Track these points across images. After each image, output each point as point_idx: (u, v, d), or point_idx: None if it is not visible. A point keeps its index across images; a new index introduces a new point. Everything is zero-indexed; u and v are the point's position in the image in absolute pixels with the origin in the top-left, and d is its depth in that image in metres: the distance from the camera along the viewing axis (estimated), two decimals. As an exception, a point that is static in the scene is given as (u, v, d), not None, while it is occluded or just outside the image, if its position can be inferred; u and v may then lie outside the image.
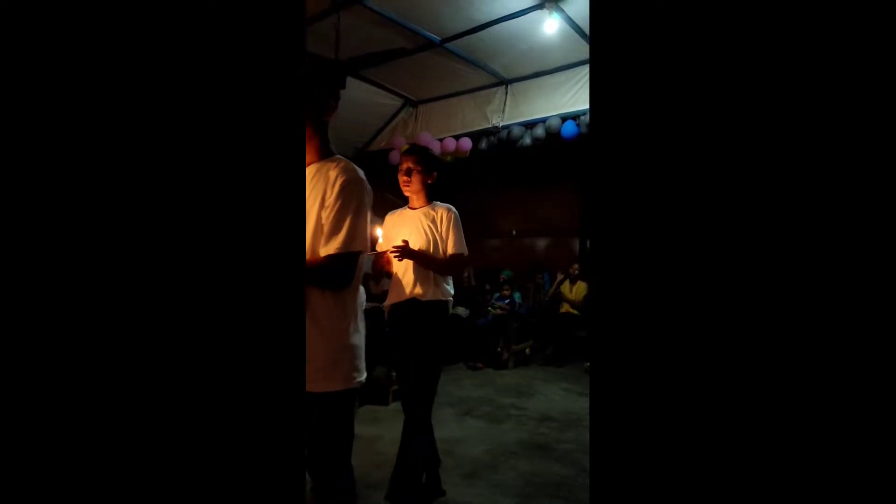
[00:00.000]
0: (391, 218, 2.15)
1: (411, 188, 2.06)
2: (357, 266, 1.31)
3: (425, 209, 2.07)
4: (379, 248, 2.04)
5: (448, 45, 3.72)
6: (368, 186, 1.35)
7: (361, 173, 1.34)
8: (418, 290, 1.97)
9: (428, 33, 3.59)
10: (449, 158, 4.72)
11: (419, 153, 2.09)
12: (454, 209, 2.07)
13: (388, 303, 2.06)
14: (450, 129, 4.68)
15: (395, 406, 3.54)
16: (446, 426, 3.08)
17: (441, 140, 4.63)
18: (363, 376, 1.36)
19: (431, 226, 2.04)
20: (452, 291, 2.06)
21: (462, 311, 5.15)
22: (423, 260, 1.98)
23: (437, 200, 2.12)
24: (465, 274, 5.53)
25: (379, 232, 2.01)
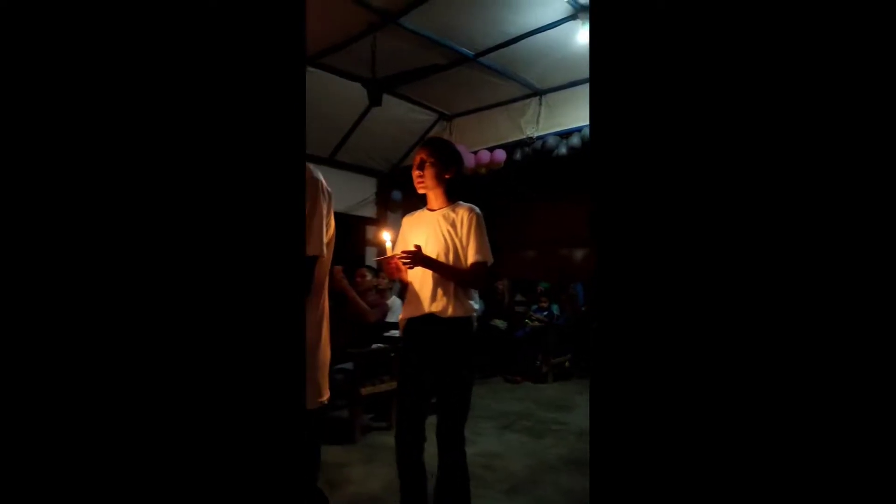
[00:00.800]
0: (408, 220, 1.88)
1: (425, 184, 1.77)
2: (313, 272, 1.24)
3: (445, 210, 1.78)
4: (389, 254, 1.77)
5: (481, 58, 3.76)
6: (325, 186, 1.29)
7: (317, 173, 1.28)
8: (437, 304, 1.70)
9: (462, 48, 3.64)
10: (483, 171, 4.74)
11: (433, 144, 1.80)
12: (478, 210, 1.77)
13: (402, 316, 1.81)
14: (484, 141, 4.71)
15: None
16: (486, 440, 3.05)
17: (475, 152, 4.66)
18: (326, 396, 1.28)
19: (451, 230, 1.74)
20: (477, 306, 1.79)
21: (500, 323, 5.12)
22: (438, 269, 1.71)
23: (460, 201, 1.82)
24: (500, 287, 5.43)
25: (385, 236, 1.76)
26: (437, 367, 1.69)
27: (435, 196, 1.80)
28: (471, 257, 1.72)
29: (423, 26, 3.34)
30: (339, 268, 1.73)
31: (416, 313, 1.74)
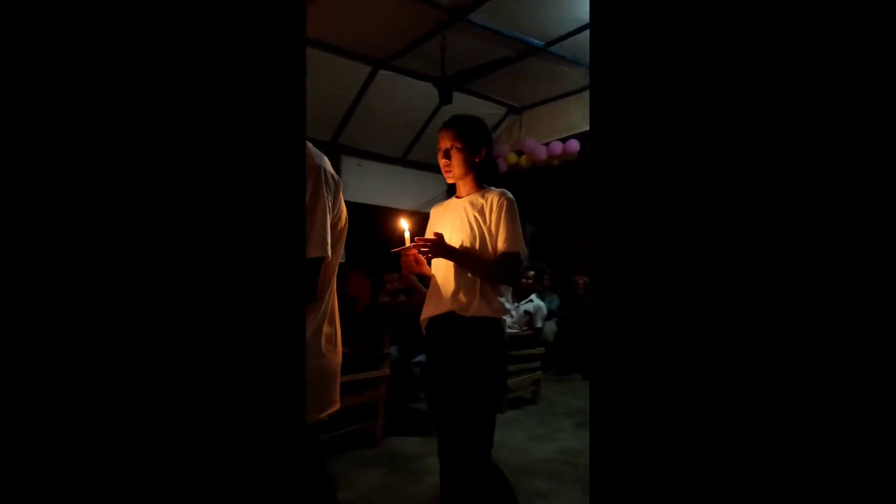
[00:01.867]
0: (435, 211, 1.68)
1: (454, 173, 1.55)
2: (316, 278, 1.08)
3: (472, 196, 1.55)
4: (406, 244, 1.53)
5: (551, 48, 3.68)
6: (330, 173, 1.08)
7: (319, 159, 1.08)
8: (458, 301, 1.46)
9: (531, 39, 3.58)
10: (556, 162, 4.64)
11: (458, 125, 1.55)
12: (509, 195, 1.53)
13: (423, 315, 1.57)
14: (556, 132, 4.61)
15: (511, 414, 3.53)
16: (564, 437, 3.01)
17: (547, 144, 4.57)
18: (333, 408, 1.12)
19: (478, 217, 1.51)
20: (508, 305, 1.52)
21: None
22: (462, 260, 1.48)
23: (491, 186, 1.58)
24: (580, 282, 5.21)
25: (403, 224, 1.55)
26: (459, 371, 1.45)
27: (463, 183, 1.58)
28: (500, 246, 1.48)
29: (491, 20, 3.33)
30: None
31: (436, 311, 1.51)
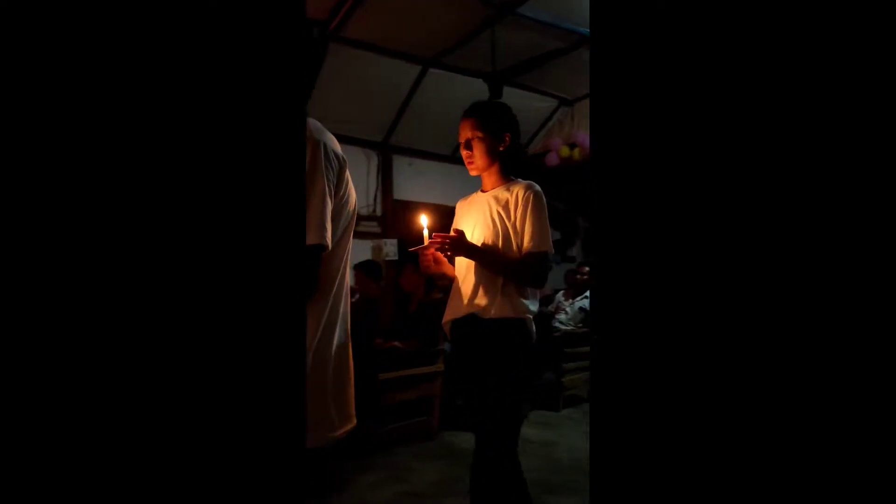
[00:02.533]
0: (460, 207, 1.57)
1: (476, 164, 1.44)
2: (315, 268, 0.92)
3: (497, 190, 1.44)
4: (425, 243, 1.41)
5: (605, 37, 3.57)
6: (334, 150, 0.89)
7: (321, 134, 0.91)
8: (479, 302, 1.37)
9: (583, 29, 3.49)
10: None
11: (478, 112, 1.44)
12: (536, 188, 1.41)
13: (445, 318, 1.49)
14: (610, 123, 4.46)
15: (567, 412, 3.48)
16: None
17: (601, 136, 4.44)
18: (341, 429, 0.90)
19: (502, 213, 1.40)
20: (534, 308, 1.40)
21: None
22: (484, 259, 1.38)
23: (518, 178, 1.47)
24: None
25: (423, 220, 1.43)
26: (481, 374, 1.37)
27: (488, 175, 1.47)
28: (525, 245, 1.37)
29: (541, 12, 3.28)
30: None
31: (457, 314, 1.43)
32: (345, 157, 1.00)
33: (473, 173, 1.49)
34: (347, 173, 1.03)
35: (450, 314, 1.46)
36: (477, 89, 4.06)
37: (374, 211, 4.55)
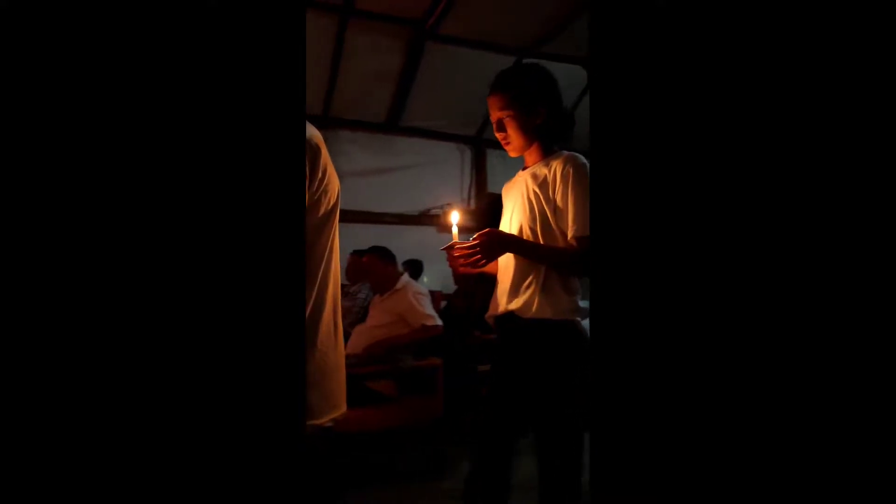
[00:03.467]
0: (504, 191, 1.36)
1: (514, 146, 1.24)
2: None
3: (536, 167, 1.23)
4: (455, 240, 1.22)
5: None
6: (312, 139, 0.87)
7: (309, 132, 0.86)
8: (519, 299, 1.17)
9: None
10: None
11: (503, 87, 1.21)
12: (580, 159, 1.17)
13: (488, 313, 1.30)
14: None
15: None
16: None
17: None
18: (325, 416, 0.91)
19: (538, 192, 1.18)
20: (584, 303, 1.17)
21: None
22: (524, 251, 1.18)
23: (563, 150, 1.23)
24: None
25: (454, 217, 1.26)
26: (525, 389, 1.17)
27: (529, 154, 1.27)
28: (570, 230, 1.13)
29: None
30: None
31: (497, 310, 1.23)
32: (319, 144, 0.91)
33: (513, 154, 1.28)
34: (323, 160, 0.93)
35: (492, 309, 1.27)
36: (574, 76, 3.91)
37: (469, 206, 4.58)
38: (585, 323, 1.16)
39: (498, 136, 1.25)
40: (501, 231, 1.21)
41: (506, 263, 1.24)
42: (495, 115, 1.24)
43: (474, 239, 1.15)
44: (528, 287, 1.17)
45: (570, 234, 1.14)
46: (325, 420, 0.91)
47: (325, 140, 0.93)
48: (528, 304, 1.16)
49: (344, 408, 0.98)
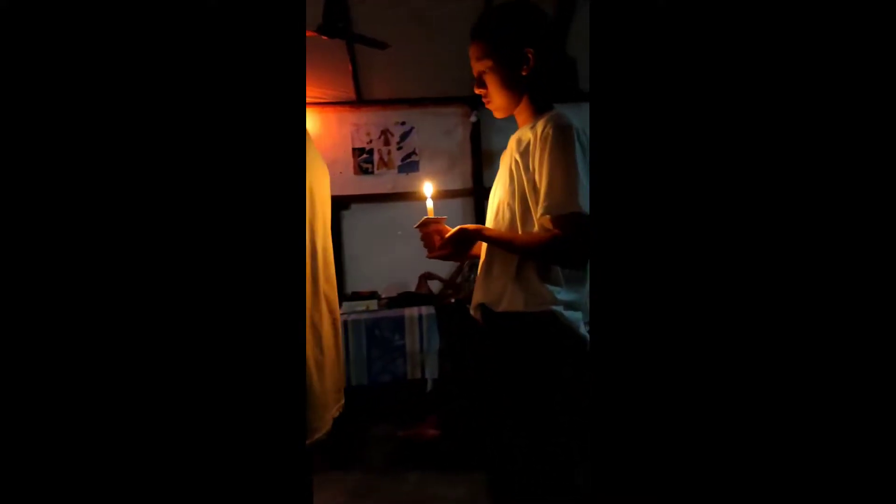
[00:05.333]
0: (501, 159, 1.16)
1: (495, 104, 1.05)
2: None
3: (522, 129, 1.04)
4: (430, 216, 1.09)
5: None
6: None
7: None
8: (490, 290, 1.03)
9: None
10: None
11: (484, 33, 1.01)
12: (564, 119, 0.96)
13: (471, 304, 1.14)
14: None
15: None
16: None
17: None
18: (321, 431, 0.87)
19: (519, 162, 0.99)
20: (571, 296, 0.97)
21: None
22: (491, 239, 1.03)
23: (556, 108, 1.03)
24: None
25: (427, 189, 1.13)
26: (501, 387, 1.03)
27: (519, 113, 1.06)
28: (540, 207, 0.94)
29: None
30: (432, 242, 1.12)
31: (473, 300, 1.08)
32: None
33: (498, 116, 1.07)
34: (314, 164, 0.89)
35: (474, 298, 1.09)
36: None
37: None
38: (576, 315, 0.98)
39: (478, 92, 1.05)
40: (468, 228, 1.03)
41: (483, 248, 1.10)
42: (476, 67, 1.03)
43: (445, 240, 1.03)
44: (498, 277, 1.01)
45: (538, 213, 0.94)
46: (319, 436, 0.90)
47: None
48: (498, 295, 1.00)
49: (320, 432, 0.92)
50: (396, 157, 3.32)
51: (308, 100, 3.23)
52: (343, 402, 1.02)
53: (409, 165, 3.33)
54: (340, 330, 1.05)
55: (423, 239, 1.09)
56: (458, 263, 2.71)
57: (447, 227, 1.06)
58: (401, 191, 3.19)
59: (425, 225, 1.07)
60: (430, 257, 1.08)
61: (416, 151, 3.33)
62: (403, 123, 3.32)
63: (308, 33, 2.44)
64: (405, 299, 2.61)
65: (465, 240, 1.03)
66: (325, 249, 1.01)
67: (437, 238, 1.05)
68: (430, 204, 1.11)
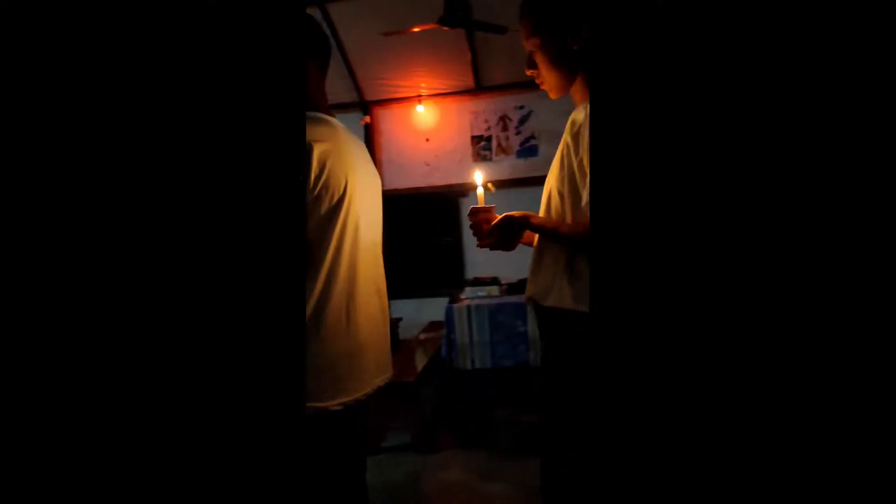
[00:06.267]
0: None
1: (549, 85, 1.01)
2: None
3: (577, 110, 0.96)
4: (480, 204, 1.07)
5: None
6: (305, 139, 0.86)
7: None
8: (537, 284, 1.00)
9: None
10: None
11: (531, 9, 0.97)
12: None
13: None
14: None
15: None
16: None
17: None
18: (332, 400, 0.92)
19: (570, 145, 0.93)
20: None
21: None
22: (541, 229, 0.99)
23: None
24: None
25: (477, 177, 1.12)
26: (555, 383, 1.00)
27: (575, 93, 1.00)
28: (585, 193, 0.89)
29: None
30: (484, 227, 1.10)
31: (526, 293, 1.06)
32: (311, 142, 0.89)
33: (553, 96, 1.02)
34: (320, 156, 0.90)
35: (526, 290, 1.08)
36: None
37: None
38: None
39: (529, 73, 1.01)
40: (513, 215, 1.00)
41: (535, 238, 1.06)
42: (525, 47, 1.00)
43: (492, 227, 1.01)
44: (546, 270, 0.98)
45: (583, 199, 0.89)
46: (331, 403, 0.94)
47: None
48: (546, 289, 0.97)
49: (359, 392, 0.99)
50: (514, 142, 3.33)
51: (429, 91, 3.40)
52: (391, 374, 1.11)
53: (528, 150, 3.32)
54: (389, 318, 1.14)
55: (472, 227, 1.07)
56: None
57: (496, 214, 1.04)
58: (519, 176, 3.21)
59: (474, 214, 1.05)
60: (479, 246, 1.07)
61: (535, 135, 3.31)
62: (522, 107, 3.31)
63: (430, 26, 2.55)
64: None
65: (512, 227, 1.00)
66: (374, 244, 1.11)
67: (485, 227, 1.03)
68: (480, 191, 1.10)
